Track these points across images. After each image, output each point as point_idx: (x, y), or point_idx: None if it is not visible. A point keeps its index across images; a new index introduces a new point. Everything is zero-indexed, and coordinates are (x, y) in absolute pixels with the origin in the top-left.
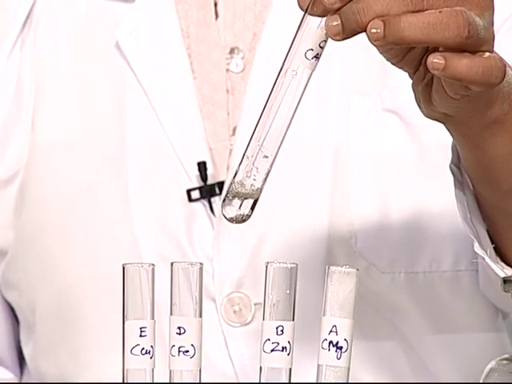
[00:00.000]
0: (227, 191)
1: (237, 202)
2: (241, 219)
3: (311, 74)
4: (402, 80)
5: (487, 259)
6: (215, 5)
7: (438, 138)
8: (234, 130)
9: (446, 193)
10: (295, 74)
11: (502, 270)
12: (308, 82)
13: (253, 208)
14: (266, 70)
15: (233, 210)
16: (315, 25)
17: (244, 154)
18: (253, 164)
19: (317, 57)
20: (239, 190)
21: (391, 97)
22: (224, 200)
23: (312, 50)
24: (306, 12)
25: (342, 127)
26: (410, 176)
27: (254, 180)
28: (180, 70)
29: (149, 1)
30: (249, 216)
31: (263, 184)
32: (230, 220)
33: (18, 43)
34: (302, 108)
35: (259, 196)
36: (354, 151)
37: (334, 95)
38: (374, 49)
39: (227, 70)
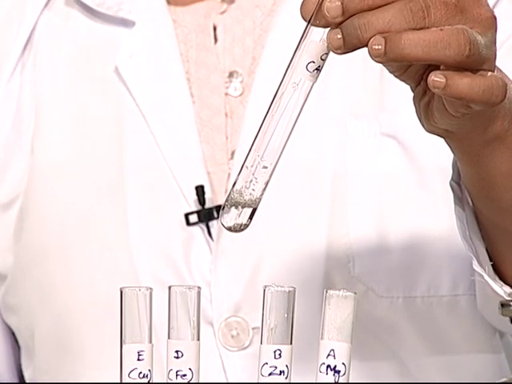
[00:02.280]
0: (226, 200)
1: (235, 211)
2: (239, 228)
3: (312, 85)
4: (399, 104)
5: (485, 276)
6: (214, 29)
7: (437, 163)
8: (233, 153)
9: (444, 217)
10: (296, 86)
11: (500, 288)
12: (309, 93)
13: (251, 217)
14: (264, 94)
15: (231, 219)
16: (317, 37)
17: (243, 164)
18: (252, 174)
19: (318, 69)
20: (238, 199)
21: (389, 121)
22: (223, 208)
23: (313, 62)
24: (308, 23)
25: (340, 152)
26: (408, 201)
27: (253, 190)
28: (179, 94)
29: (148, 25)
30: (247, 225)
31: (262, 194)
32: (229, 229)
33: (18, 67)
34: (299, 132)
35: (258, 205)
36: (352, 176)
37: (331, 119)
38: (372, 72)
39: (226, 93)
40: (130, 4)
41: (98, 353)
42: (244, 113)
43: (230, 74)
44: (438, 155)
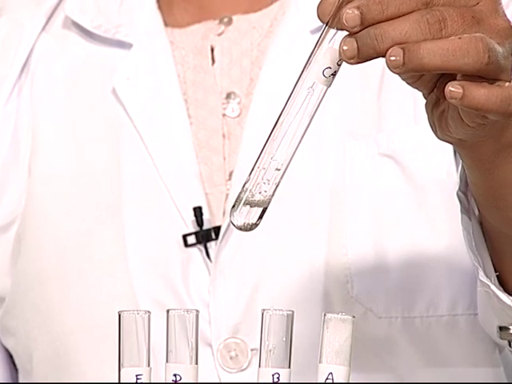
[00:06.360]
0: (236, 199)
1: (245, 210)
2: (249, 228)
3: (326, 90)
4: (397, 124)
5: (492, 287)
6: (212, 50)
7: (435, 182)
8: (231, 174)
9: (443, 236)
10: (312, 90)
11: (508, 298)
12: (323, 97)
13: (261, 217)
14: (262, 115)
15: (241, 218)
16: (335, 43)
17: (255, 164)
18: (263, 175)
19: (334, 74)
20: (248, 198)
21: (387, 141)
22: (233, 207)
23: (330, 68)
24: (326, 25)
25: (338, 173)
26: (406, 221)
27: (265, 191)
28: (176, 115)
29: (146, 47)
30: (256, 225)
31: (272, 195)
32: (239, 228)
33: (15, 90)
34: (297, 153)
35: (268, 205)
36: (350, 196)
37: (329, 140)
38: (369, 93)
39: (223, 115)
40: (127, 26)
41: (97, 376)
42: (241, 134)
43: (228, 95)
44: (436, 175)
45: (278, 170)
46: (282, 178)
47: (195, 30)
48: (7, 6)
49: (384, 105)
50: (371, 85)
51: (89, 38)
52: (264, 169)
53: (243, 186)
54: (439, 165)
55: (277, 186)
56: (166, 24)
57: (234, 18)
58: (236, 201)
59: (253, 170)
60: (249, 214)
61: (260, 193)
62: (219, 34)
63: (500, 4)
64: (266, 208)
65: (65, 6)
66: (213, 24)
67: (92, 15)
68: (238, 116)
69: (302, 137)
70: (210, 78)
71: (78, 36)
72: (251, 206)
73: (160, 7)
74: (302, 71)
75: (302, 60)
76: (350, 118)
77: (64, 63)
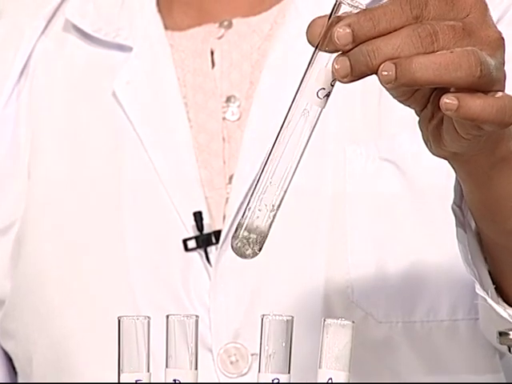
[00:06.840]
0: (237, 227)
1: (246, 238)
2: (251, 256)
3: (321, 111)
4: (397, 129)
5: (489, 300)
6: (212, 54)
7: (435, 187)
8: (231, 178)
9: (444, 242)
10: (307, 112)
11: (504, 311)
12: (318, 118)
13: (261, 246)
14: (262, 119)
15: (242, 246)
16: (324, 61)
17: (253, 191)
18: (262, 201)
19: (328, 95)
20: (249, 225)
21: (387, 146)
22: (232, 237)
23: (324, 88)
24: (316, 48)
25: (339, 177)
26: (407, 225)
27: (264, 216)
28: (176, 118)
29: (145, 51)
30: (256, 254)
31: (272, 221)
32: (240, 255)
33: (14, 93)
34: None
35: (267, 234)
36: (351, 200)
37: (330, 145)
38: (370, 99)
39: (223, 118)
40: (127, 30)
41: (96, 380)
42: (241, 137)
43: (228, 99)
44: (437, 180)
45: (277, 194)
46: (281, 202)
47: (195, 34)
48: (7, 9)
49: (384, 111)
50: (372, 89)
51: (89, 41)
52: (263, 194)
53: (244, 213)
54: (440, 169)
55: (277, 211)
56: (166, 27)
57: (234, 21)
58: (236, 230)
59: (252, 196)
60: (249, 242)
61: (259, 218)
62: (219, 38)
63: (489, 15)
64: (267, 235)
65: (65, 10)
66: (213, 27)
67: (92, 18)
68: (238, 119)
69: (300, 160)
70: (209, 82)
71: (78, 39)
72: (251, 233)
73: (160, 10)
74: (296, 94)
75: (302, 63)
76: (350, 124)
77: (63, 66)
